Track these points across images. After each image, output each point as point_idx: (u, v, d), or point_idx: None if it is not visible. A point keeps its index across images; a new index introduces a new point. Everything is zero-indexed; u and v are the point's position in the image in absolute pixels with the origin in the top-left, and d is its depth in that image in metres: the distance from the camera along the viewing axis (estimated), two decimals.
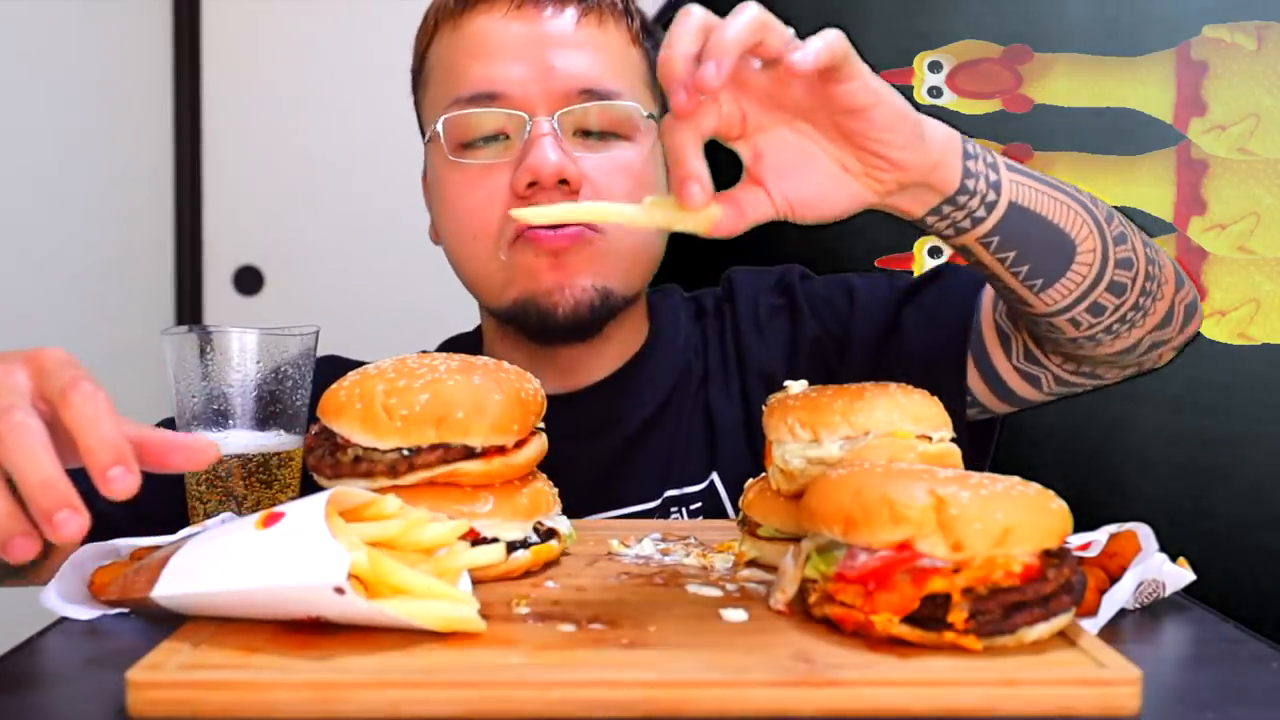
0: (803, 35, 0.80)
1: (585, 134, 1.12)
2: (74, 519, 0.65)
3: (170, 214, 2.71)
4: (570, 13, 1.13)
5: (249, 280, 2.74)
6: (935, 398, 0.86)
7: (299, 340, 0.98)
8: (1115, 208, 1.04)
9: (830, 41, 0.79)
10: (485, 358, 0.88)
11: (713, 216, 0.81)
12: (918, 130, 0.87)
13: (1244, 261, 1.74)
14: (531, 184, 1.08)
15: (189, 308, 2.72)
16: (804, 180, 0.85)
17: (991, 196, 0.91)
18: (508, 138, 1.12)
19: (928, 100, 1.75)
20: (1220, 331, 1.74)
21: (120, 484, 0.66)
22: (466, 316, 1.32)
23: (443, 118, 1.13)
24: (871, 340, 1.19)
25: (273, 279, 2.74)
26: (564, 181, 1.08)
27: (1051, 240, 0.95)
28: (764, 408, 0.88)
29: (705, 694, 0.62)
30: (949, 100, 1.75)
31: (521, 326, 1.15)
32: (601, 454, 1.20)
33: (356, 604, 0.65)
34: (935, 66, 1.75)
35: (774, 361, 1.22)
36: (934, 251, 1.74)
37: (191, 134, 2.71)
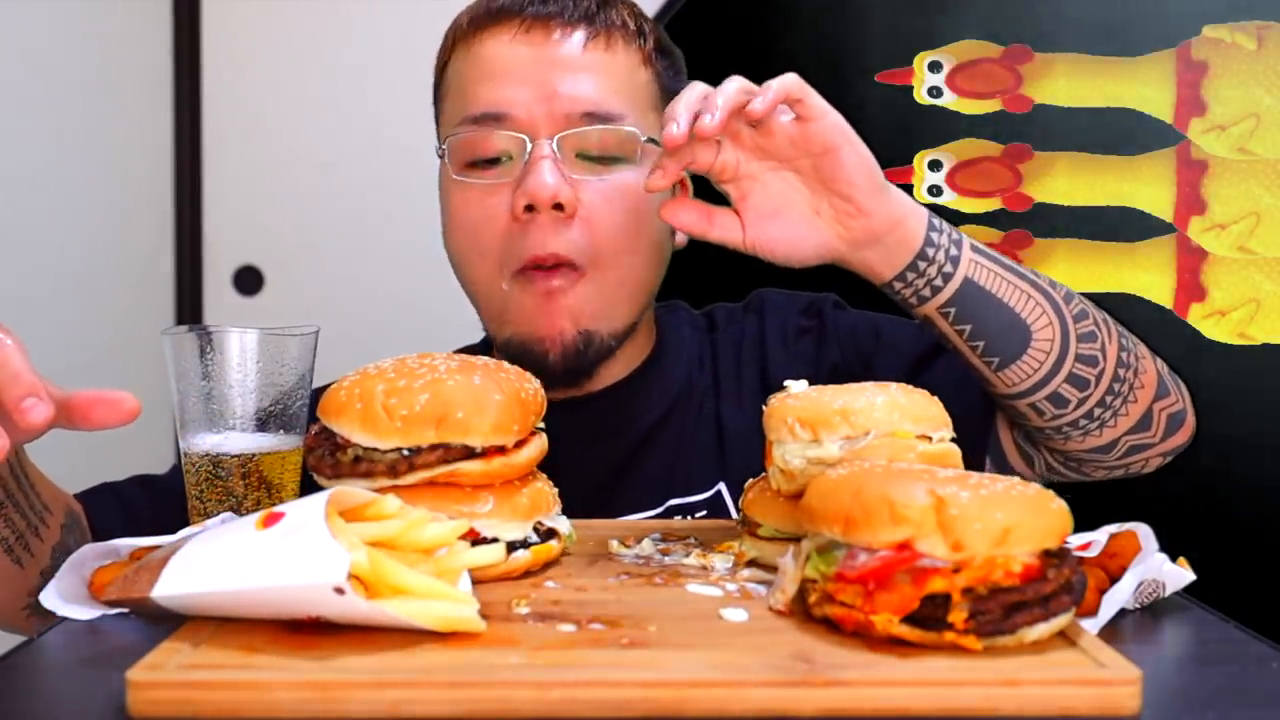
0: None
1: (586, 157, 1.13)
2: (40, 406, 0.76)
3: (170, 214, 2.71)
4: (578, 36, 1.15)
5: (249, 280, 2.74)
6: (935, 398, 0.86)
7: (299, 340, 0.98)
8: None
9: (783, 82, 0.96)
10: (485, 358, 0.88)
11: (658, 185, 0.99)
12: (882, 183, 1.01)
13: (1244, 261, 1.74)
14: (528, 207, 1.10)
15: (189, 308, 2.72)
16: (779, 224, 1.01)
17: (949, 269, 1.02)
18: (511, 159, 1.13)
19: (928, 100, 1.75)
20: (1220, 331, 1.74)
21: (34, 413, 0.76)
22: (466, 316, 1.32)
23: (449, 138, 1.15)
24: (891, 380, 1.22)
25: (273, 279, 2.74)
26: (559, 206, 1.10)
27: (1006, 321, 1.02)
28: (764, 408, 0.88)
29: (705, 694, 0.62)
30: (949, 100, 1.75)
31: (517, 362, 1.16)
32: (604, 461, 1.21)
33: (356, 604, 0.65)
34: (935, 66, 1.75)
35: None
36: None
37: (191, 134, 2.71)
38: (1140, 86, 1.75)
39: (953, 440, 0.85)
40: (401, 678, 0.62)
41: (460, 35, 1.19)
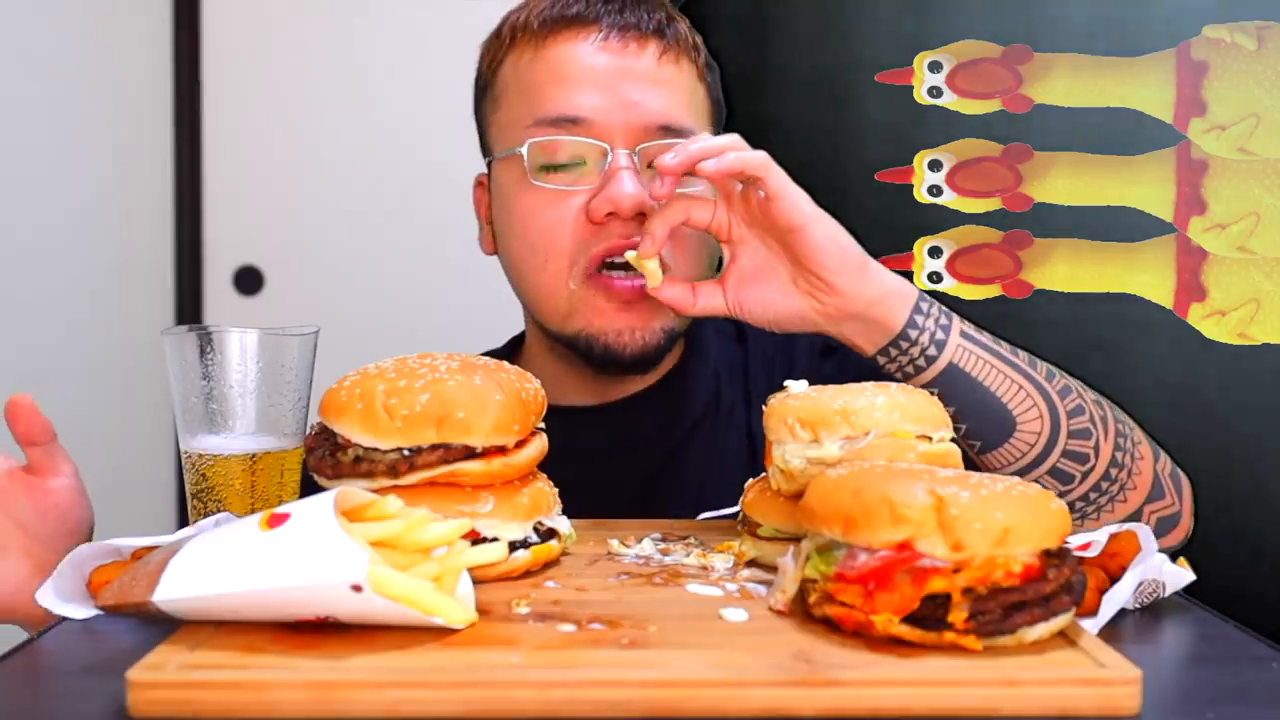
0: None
1: None
2: None
3: (170, 214, 2.71)
4: (652, 50, 1.16)
5: (249, 280, 2.74)
6: (935, 398, 0.86)
7: (299, 340, 0.98)
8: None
9: (745, 157, 1.00)
10: (486, 358, 0.88)
11: (655, 273, 1.04)
12: (859, 264, 1.03)
13: (1244, 261, 1.74)
14: (610, 213, 1.11)
15: (189, 308, 2.72)
16: (759, 290, 1.05)
17: (933, 352, 1.03)
18: (583, 164, 1.14)
19: (928, 100, 1.75)
20: (1220, 331, 1.74)
21: None
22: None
23: (529, 141, 1.14)
24: None
25: (273, 279, 2.74)
26: (640, 214, 1.11)
27: (991, 410, 1.04)
28: (764, 408, 0.88)
29: (705, 694, 0.62)
30: (949, 100, 1.75)
31: (582, 356, 1.17)
32: (637, 471, 1.21)
33: (373, 601, 0.65)
34: (935, 66, 1.75)
35: None
36: (934, 251, 1.74)
37: (191, 134, 2.71)
38: (1140, 86, 1.75)
39: (952, 440, 0.85)
40: (401, 678, 0.62)
41: (526, 34, 1.18)
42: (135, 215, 2.63)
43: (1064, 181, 1.76)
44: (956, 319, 1.06)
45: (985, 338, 1.06)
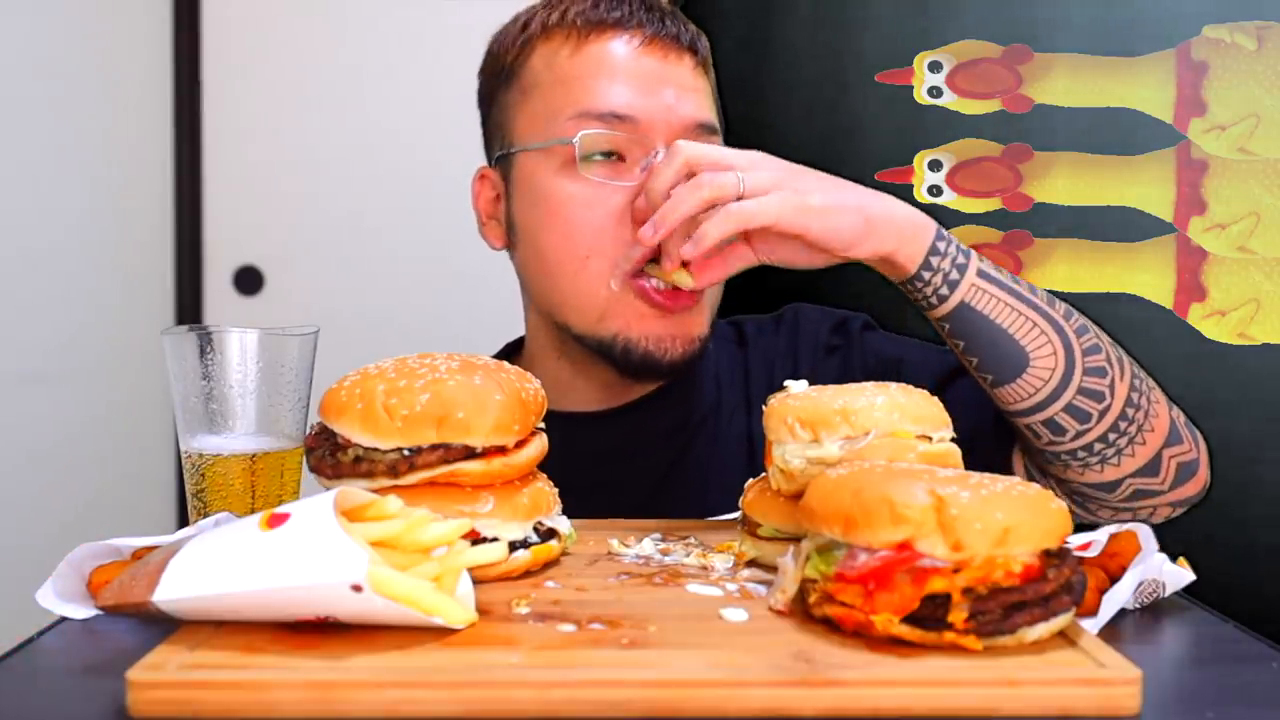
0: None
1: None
2: None
3: (170, 214, 2.71)
4: (688, 61, 1.20)
5: (249, 280, 2.74)
6: (935, 398, 0.86)
7: (299, 340, 0.98)
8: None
9: (724, 227, 1.01)
10: (486, 357, 0.88)
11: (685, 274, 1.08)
12: (863, 227, 1.03)
13: (1244, 261, 1.74)
14: None
15: (189, 308, 2.72)
16: (785, 246, 1.05)
17: (944, 291, 1.04)
18: (622, 161, 1.15)
19: (928, 100, 1.75)
20: (1220, 331, 1.74)
21: None
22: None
23: (583, 132, 1.14)
24: None
25: (273, 279, 2.74)
26: None
27: (1002, 345, 1.04)
28: (764, 408, 0.88)
29: (705, 694, 0.62)
30: (949, 100, 1.75)
31: (614, 360, 1.17)
32: (639, 475, 1.21)
33: (373, 601, 0.65)
34: (935, 66, 1.75)
35: None
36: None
37: (191, 134, 2.71)
38: (1140, 86, 1.75)
39: (952, 440, 0.85)
40: (401, 678, 0.62)
41: (564, 30, 1.19)
42: (135, 215, 2.63)
43: (1064, 181, 1.76)
44: (975, 257, 1.06)
45: (1004, 276, 1.07)
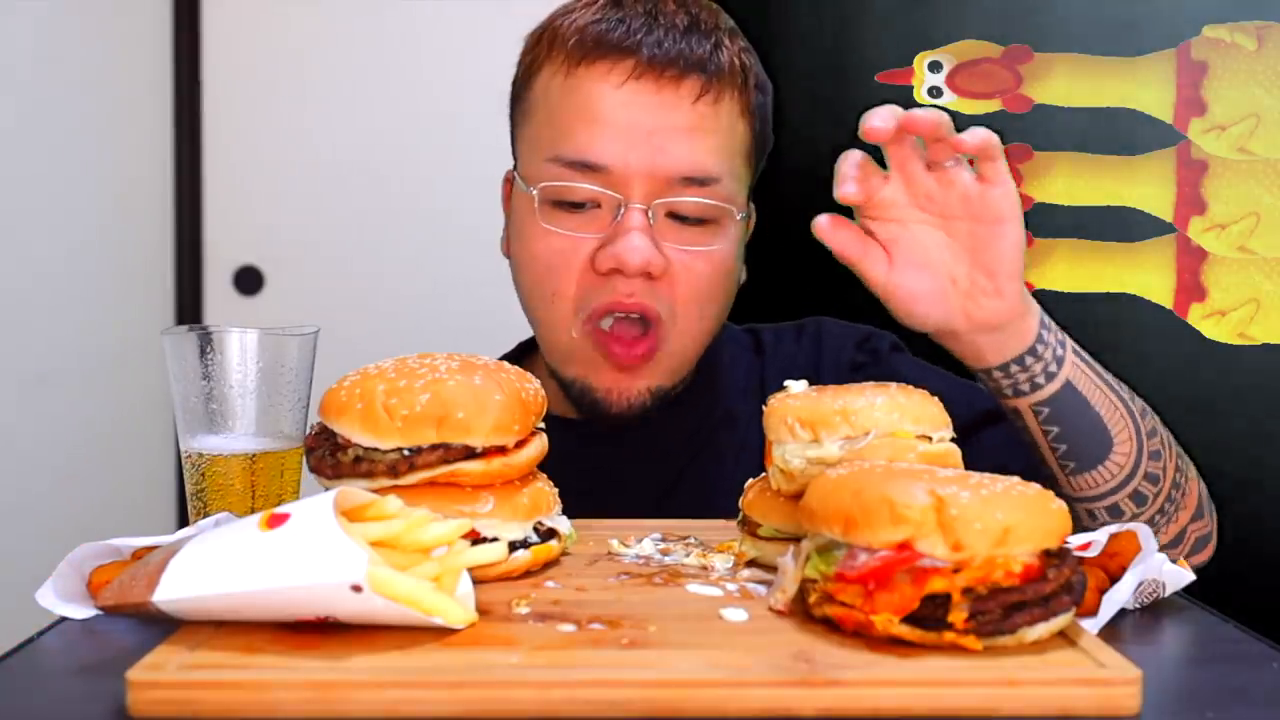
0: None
1: (677, 217, 1.12)
2: None
3: (170, 214, 2.71)
4: (688, 90, 1.11)
5: (249, 280, 2.74)
6: (935, 398, 0.86)
7: (299, 340, 0.98)
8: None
9: (985, 136, 0.93)
10: (486, 358, 0.88)
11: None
12: (1020, 272, 0.97)
13: (1244, 261, 1.74)
14: (614, 269, 1.10)
15: (189, 308, 2.72)
16: (915, 278, 0.98)
17: (1053, 368, 0.99)
18: (599, 207, 1.12)
19: (928, 100, 1.75)
20: (1220, 331, 1.74)
21: None
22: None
23: (541, 183, 1.12)
24: None
25: (273, 279, 2.74)
26: (646, 274, 1.10)
27: (1093, 429, 1.00)
28: (764, 408, 0.88)
29: (705, 694, 0.62)
30: (949, 100, 1.75)
31: (574, 401, 1.17)
32: (650, 483, 1.21)
33: (373, 601, 0.65)
34: (935, 66, 1.75)
35: None
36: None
37: (191, 134, 2.71)
38: (1140, 86, 1.75)
39: (953, 440, 0.85)
40: (401, 678, 0.62)
41: (560, 55, 1.14)
42: (135, 215, 2.63)
43: (1064, 181, 1.76)
44: (1068, 336, 1.03)
45: (1087, 355, 1.03)
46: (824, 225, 0.97)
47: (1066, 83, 1.75)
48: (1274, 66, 1.73)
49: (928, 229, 0.98)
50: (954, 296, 0.98)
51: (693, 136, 1.11)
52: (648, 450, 1.22)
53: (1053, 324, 1.02)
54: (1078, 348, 1.03)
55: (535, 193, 1.13)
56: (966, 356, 1.01)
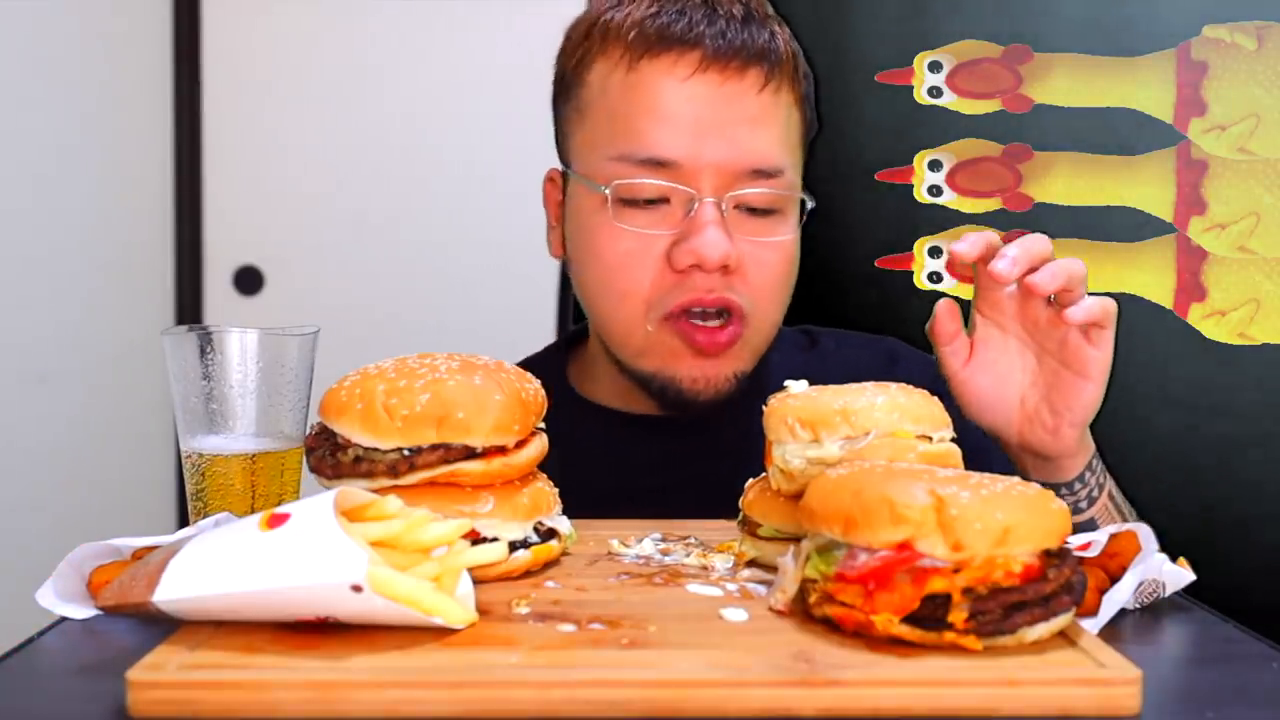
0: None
1: (747, 208, 1.13)
2: None
3: (170, 214, 2.71)
4: (753, 79, 1.11)
5: (249, 280, 2.74)
6: (935, 398, 0.86)
7: (299, 340, 0.98)
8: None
9: (1104, 305, 0.99)
10: (486, 357, 0.88)
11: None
12: (1085, 423, 1.03)
13: (1244, 261, 1.74)
14: (693, 265, 1.10)
15: (189, 308, 2.72)
16: (987, 383, 1.04)
17: (1083, 504, 1.05)
18: (667, 203, 1.12)
19: (928, 100, 1.75)
20: (1220, 331, 1.74)
21: None
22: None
23: (614, 182, 1.11)
24: None
25: (273, 279, 2.74)
26: (724, 267, 1.10)
27: None
28: (764, 408, 0.88)
29: (705, 694, 0.62)
30: (949, 100, 1.75)
31: (653, 395, 1.17)
32: (695, 487, 1.20)
33: (373, 601, 0.65)
34: (935, 66, 1.75)
35: None
36: (934, 251, 1.74)
37: (191, 134, 2.71)
38: (1140, 86, 1.75)
39: (953, 440, 0.85)
40: (401, 678, 0.62)
41: (619, 46, 1.12)
42: (135, 215, 2.63)
43: (1064, 181, 1.76)
44: (1109, 478, 1.08)
45: (1120, 496, 1.08)
46: (942, 305, 1.04)
47: (1066, 83, 1.75)
48: (1274, 66, 1.73)
49: (1020, 347, 1.04)
50: (1016, 416, 1.04)
51: (759, 127, 1.11)
52: (700, 447, 1.21)
53: (1100, 467, 1.06)
54: (1115, 489, 1.07)
55: (608, 191, 1.11)
56: (1008, 456, 1.07)
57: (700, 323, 1.12)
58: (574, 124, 1.18)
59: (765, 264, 1.13)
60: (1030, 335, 1.03)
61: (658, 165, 1.10)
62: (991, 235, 0.99)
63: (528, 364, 1.32)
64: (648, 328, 1.12)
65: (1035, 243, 0.98)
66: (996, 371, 1.03)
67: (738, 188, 1.11)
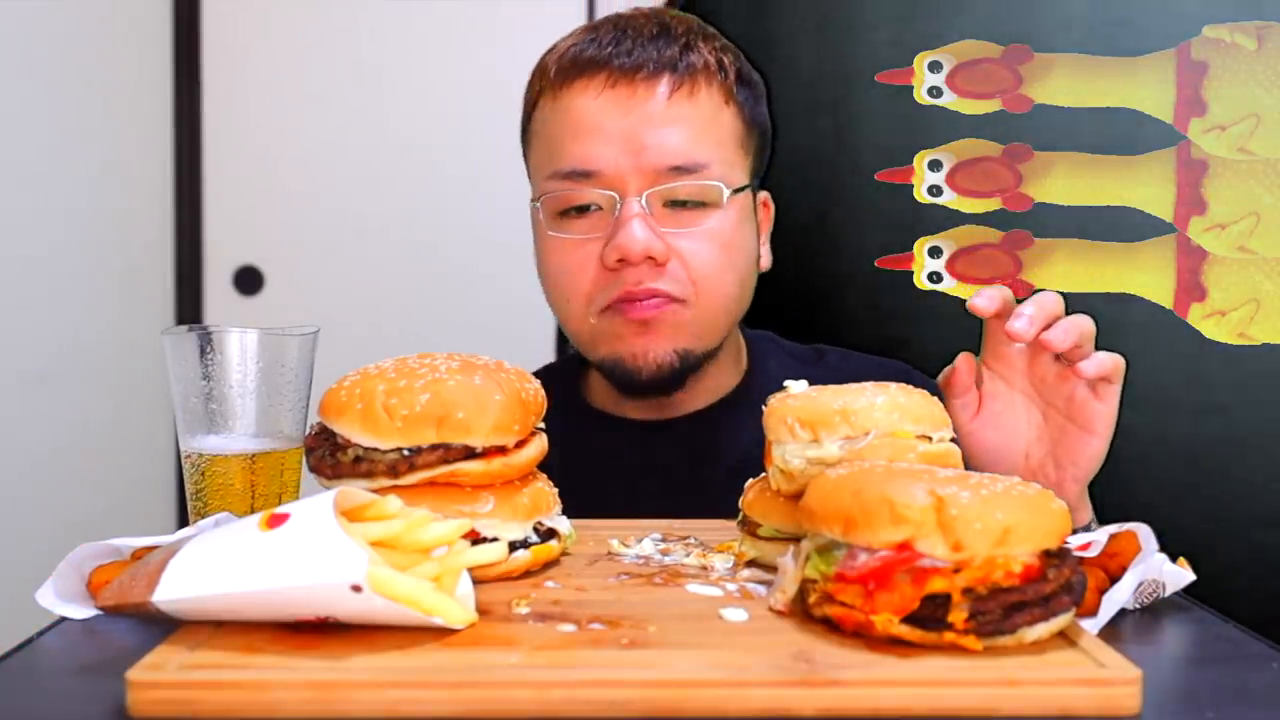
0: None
1: (674, 203, 1.17)
2: None
3: (170, 214, 2.71)
4: (662, 88, 1.17)
5: (249, 280, 2.74)
6: (935, 398, 0.86)
7: (299, 340, 0.98)
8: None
9: (1115, 361, 1.04)
10: (486, 357, 0.88)
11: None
12: (1087, 479, 1.09)
13: (1244, 261, 1.74)
14: (620, 260, 1.15)
15: (189, 308, 2.72)
16: (993, 435, 1.10)
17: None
18: (601, 209, 1.17)
19: (928, 100, 1.75)
20: (1220, 331, 1.74)
21: None
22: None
23: (543, 196, 1.20)
24: None
25: (273, 279, 2.74)
26: (650, 258, 1.15)
27: None
28: (764, 408, 0.88)
29: (705, 694, 0.62)
30: (949, 100, 1.75)
31: (612, 382, 1.22)
32: (693, 489, 1.22)
33: (373, 601, 0.65)
34: (935, 66, 1.75)
35: None
36: (934, 251, 1.74)
37: (191, 134, 2.71)
38: (1140, 86, 1.75)
39: (952, 440, 0.85)
40: (401, 678, 0.62)
41: (547, 84, 1.21)
42: (135, 215, 2.63)
43: (1064, 181, 1.76)
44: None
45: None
46: (962, 359, 1.11)
47: (1066, 83, 1.75)
48: (1274, 66, 1.73)
49: (1027, 402, 1.10)
50: (1020, 470, 1.09)
51: (672, 128, 1.17)
52: (702, 450, 1.24)
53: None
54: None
55: (540, 205, 1.20)
56: None
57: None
58: (528, 158, 1.27)
59: (697, 253, 1.17)
60: (1038, 390, 1.09)
61: (583, 176, 1.17)
62: (1007, 291, 1.05)
63: (547, 370, 1.35)
64: (591, 320, 1.18)
65: (1049, 300, 1.03)
66: (1003, 425, 1.09)
67: (659, 184, 1.16)
